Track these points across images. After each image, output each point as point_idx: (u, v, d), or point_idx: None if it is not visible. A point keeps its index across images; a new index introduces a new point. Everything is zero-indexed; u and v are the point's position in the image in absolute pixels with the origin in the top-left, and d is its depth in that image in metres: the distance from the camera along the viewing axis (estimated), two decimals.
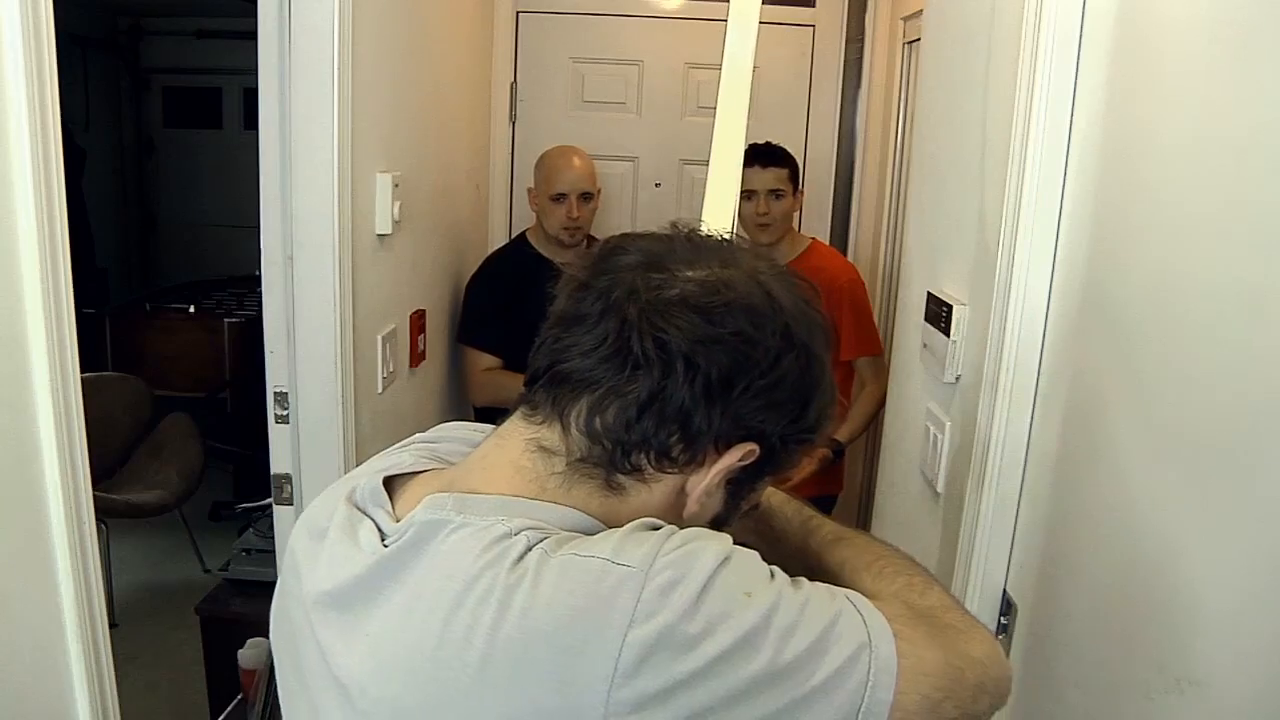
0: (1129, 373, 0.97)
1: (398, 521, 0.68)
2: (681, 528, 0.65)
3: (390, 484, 0.72)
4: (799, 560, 0.72)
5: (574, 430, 0.66)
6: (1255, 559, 0.76)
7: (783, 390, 0.67)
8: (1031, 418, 1.17)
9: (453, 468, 0.74)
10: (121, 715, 1.23)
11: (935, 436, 1.40)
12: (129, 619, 3.00)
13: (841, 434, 2.46)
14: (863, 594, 0.68)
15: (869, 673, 0.60)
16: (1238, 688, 0.79)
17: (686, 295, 0.65)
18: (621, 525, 0.65)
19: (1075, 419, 1.08)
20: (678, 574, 0.59)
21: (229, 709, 2.08)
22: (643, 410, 0.64)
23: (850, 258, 3.02)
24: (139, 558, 3.47)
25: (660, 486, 0.68)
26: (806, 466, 2.27)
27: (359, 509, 0.71)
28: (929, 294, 1.47)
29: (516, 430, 0.70)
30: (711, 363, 0.64)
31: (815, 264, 2.48)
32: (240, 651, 2.00)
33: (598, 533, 0.65)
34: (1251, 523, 0.77)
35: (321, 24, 1.60)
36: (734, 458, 0.67)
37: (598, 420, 0.65)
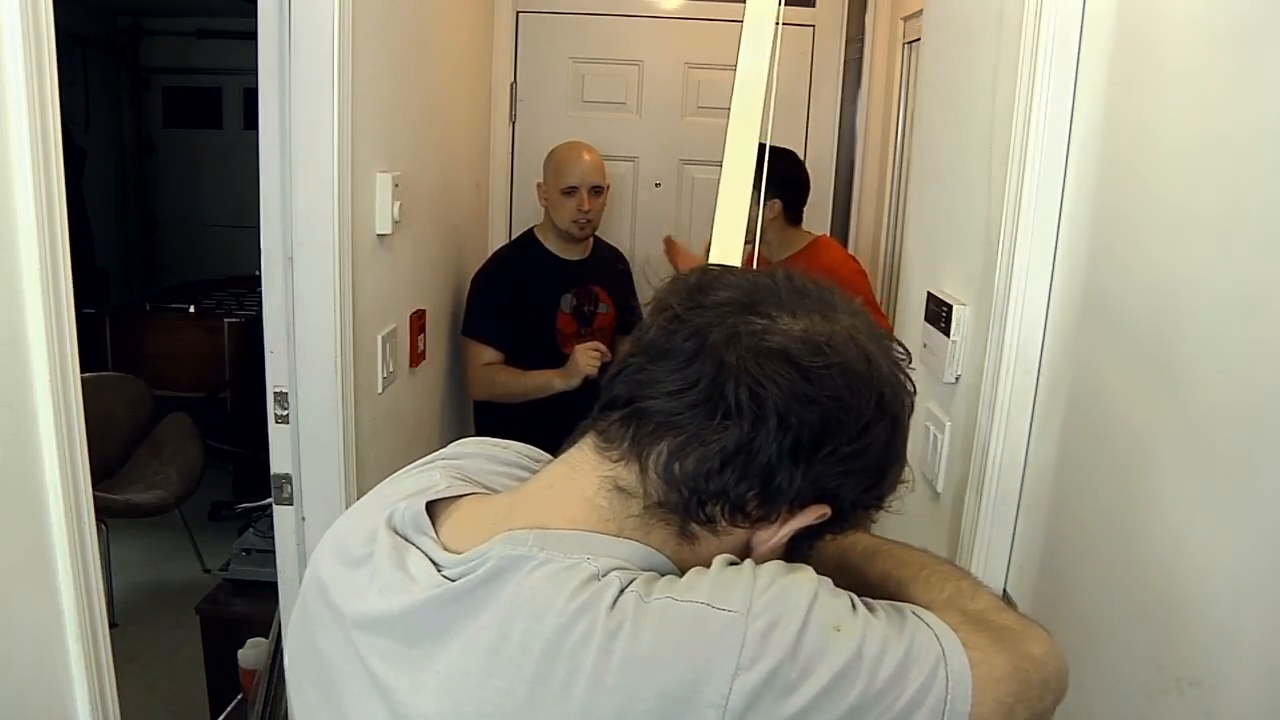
0: (1129, 372, 0.97)
1: (447, 550, 0.66)
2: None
3: (429, 509, 0.70)
4: (839, 577, 0.73)
5: (652, 473, 0.64)
6: (1256, 559, 0.76)
7: (866, 458, 0.66)
8: (1031, 418, 1.17)
9: (511, 494, 0.72)
10: (121, 715, 1.22)
11: (935, 436, 1.40)
12: (129, 619, 2.99)
13: None
14: (916, 605, 0.68)
15: (947, 686, 0.61)
16: (1238, 688, 0.79)
17: (789, 348, 0.63)
18: (691, 568, 0.64)
19: (1075, 419, 1.08)
20: (775, 615, 0.59)
21: (229, 709, 2.08)
22: (726, 462, 0.63)
23: None
24: (139, 558, 3.47)
25: (729, 539, 0.67)
26: None
27: (401, 536, 0.69)
28: (929, 294, 1.47)
29: (589, 463, 0.67)
30: (804, 422, 0.62)
31: (815, 259, 2.47)
32: (240, 651, 2.00)
33: (675, 573, 0.64)
34: (1252, 522, 0.77)
35: (321, 24, 1.60)
36: (808, 519, 0.67)
37: (677, 466, 0.64)
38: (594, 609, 0.59)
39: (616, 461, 0.66)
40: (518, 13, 3.15)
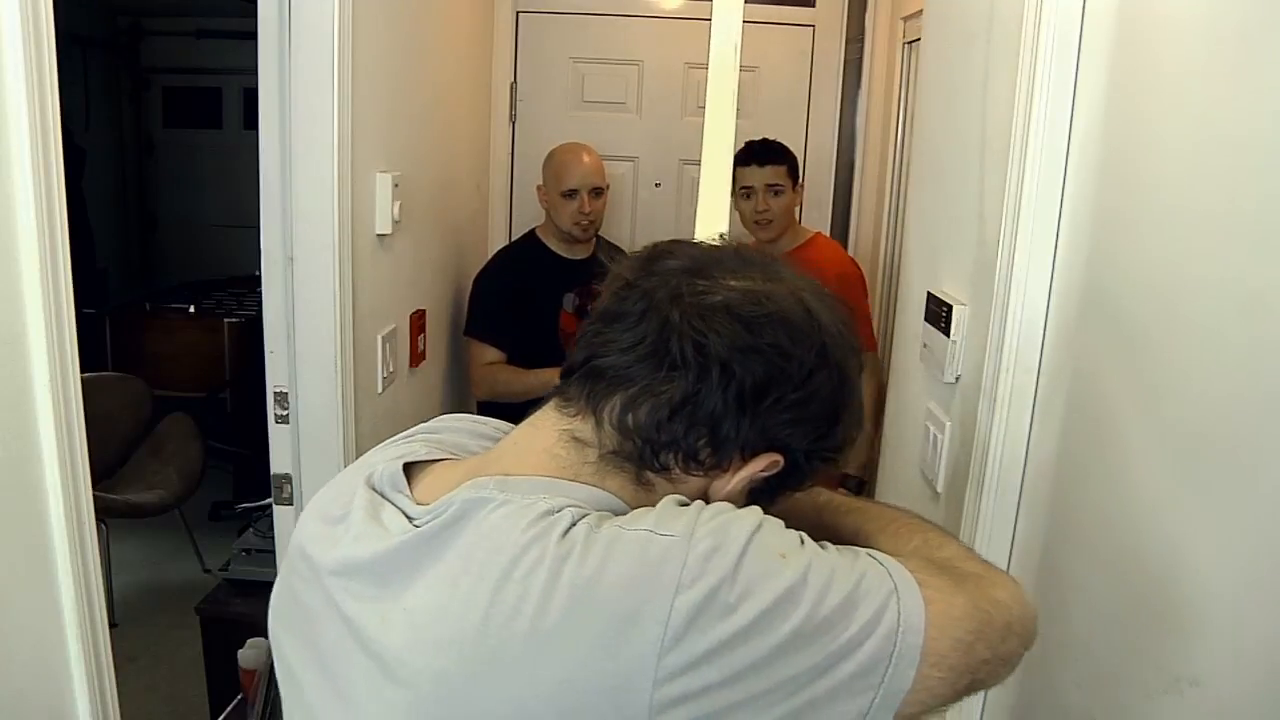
0: (1129, 372, 0.97)
1: (420, 505, 0.69)
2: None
3: (406, 472, 0.73)
4: (813, 534, 0.74)
5: (606, 425, 0.68)
6: (1255, 558, 0.76)
7: (812, 406, 0.69)
8: (1031, 417, 1.17)
9: (481, 455, 0.75)
10: (121, 715, 1.23)
11: (935, 436, 1.40)
12: (129, 619, 2.99)
13: (851, 466, 2.44)
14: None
15: (898, 619, 0.62)
16: (1237, 688, 0.79)
17: (729, 302, 0.67)
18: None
19: (1075, 419, 1.08)
20: (717, 540, 0.61)
21: (229, 709, 2.08)
22: (675, 412, 0.66)
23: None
24: (139, 558, 3.46)
25: (685, 487, 0.70)
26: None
27: (378, 493, 0.72)
28: (929, 294, 1.47)
29: (549, 420, 0.71)
30: (747, 371, 0.66)
31: (810, 256, 2.47)
32: (240, 651, 2.00)
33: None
34: (1251, 522, 0.77)
35: (321, 24, 1.60)
36: (758, 466, 0.70)
37: (630, 417, 0.67)
38: (546, 538, 0.62)
39: (574, 416, 0.70)
40: (518, 13, 3.15)
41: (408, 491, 0.71)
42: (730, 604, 0.59)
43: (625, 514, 0.66)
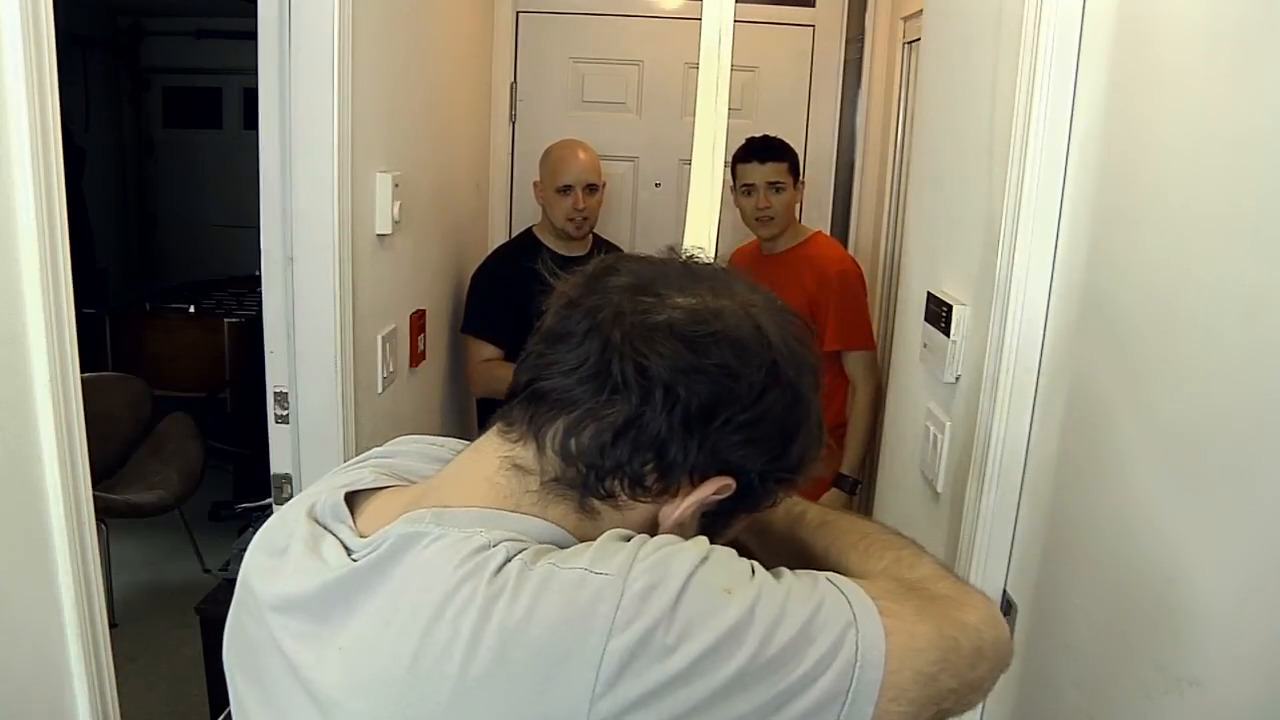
0: (1128, 373, 0.97)
1: (361, 537, 0.67)
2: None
3: (351, 500, 0.71)
4: (787, 548, 0.71)
5: (549, 451, 0.65)
6: (1255, 559, 0.76)
7: (764, 427, 0.66)
8: (1031, 418, 1.17)
9: (423, 483, 0.73)
10: (121, 715, 1.22)
11: (935, 436, 1.40)
12: (129, 619, 2.99)
13: (845, 465, 2.44)
14: (851, 574, 0.67)
15: (856, 653, 0.60)
16: (1237, 688, 0.79)
17: (673, 322, 0.64)
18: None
19: (1075, 419, 1.08)
20: (655, 578, 0.58)
21: (229, 709, 2.08)
22: (618, 436, 0.64)
23: None
24: (139, 558, 3.46)
25: (633, 514, 0.67)
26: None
27: (319, 524, 0.70)
28: (929, 294, 1.47)
29: (492, 446, 0.69)
30: (692, 393, 0.63)
31: (810, 253, 2.47)
32: None
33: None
34: (1251, 523, 0.77)
35: (321, 24, 1.60)
36: (708, 490, 0.66)
37: (573, 442, 0.64)
38: (478, 576, 0.59)
39: (515, 442, 0.67)
40: (518, 13, 3.15)
41: (350, 522, 0.69)
42: (668, 645, 0.56)
43: (568, 545, 0.64)
